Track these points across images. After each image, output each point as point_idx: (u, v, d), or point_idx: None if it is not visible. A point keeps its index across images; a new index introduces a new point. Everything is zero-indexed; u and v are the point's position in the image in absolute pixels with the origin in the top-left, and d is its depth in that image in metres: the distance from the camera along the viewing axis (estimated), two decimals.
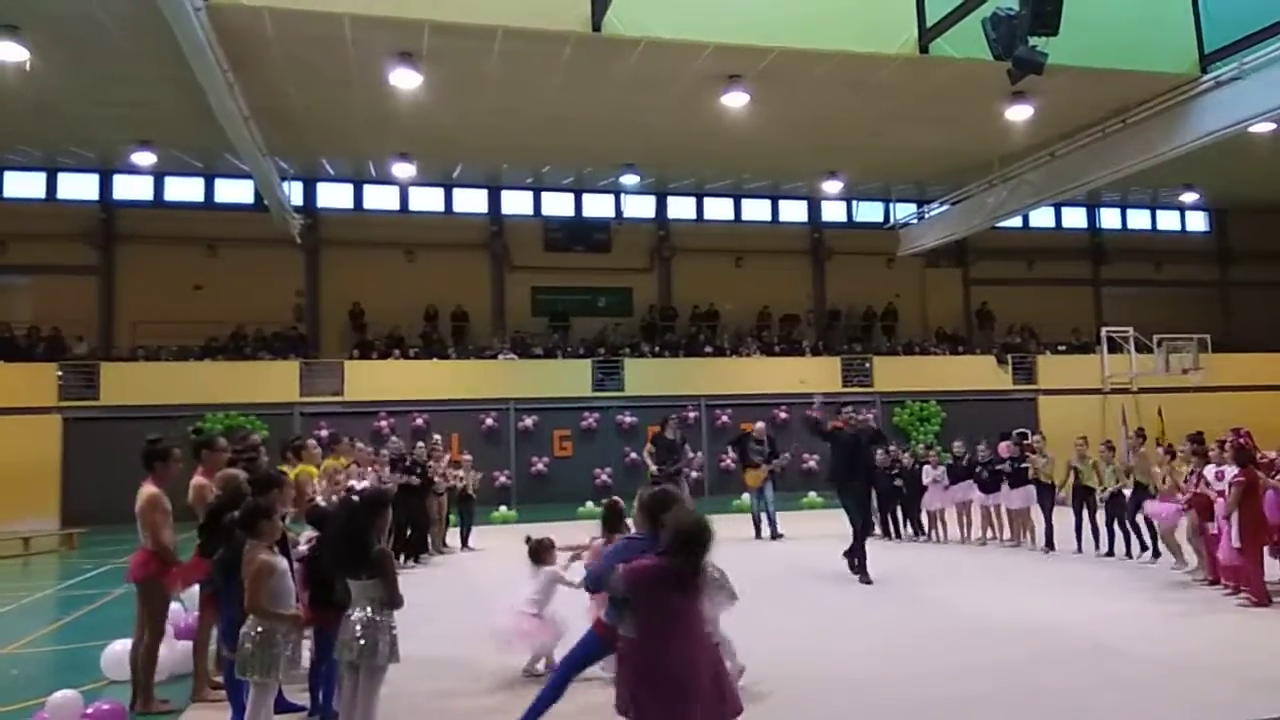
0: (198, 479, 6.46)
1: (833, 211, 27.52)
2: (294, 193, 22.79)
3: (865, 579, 10.26)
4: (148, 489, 6.19)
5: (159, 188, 23.53)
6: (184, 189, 23.70)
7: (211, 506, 6.03)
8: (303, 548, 5.81)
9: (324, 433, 14.20)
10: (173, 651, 6.74)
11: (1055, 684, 6.19)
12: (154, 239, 22.80)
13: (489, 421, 21.99)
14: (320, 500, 6.86)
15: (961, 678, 6.45)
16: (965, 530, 13.88)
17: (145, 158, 20.67)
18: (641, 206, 26.32)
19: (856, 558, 10.52)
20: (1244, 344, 26.57)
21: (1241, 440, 8.99)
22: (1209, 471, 9.39)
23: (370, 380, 21.65)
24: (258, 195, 21.11)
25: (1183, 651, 6.95)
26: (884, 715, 5.71)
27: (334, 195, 24.56)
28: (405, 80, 15.66)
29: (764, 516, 14.71)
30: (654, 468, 14.27)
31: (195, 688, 6.20)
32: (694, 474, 16.41)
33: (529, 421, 22.23)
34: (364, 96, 16.96)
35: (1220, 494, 9.08)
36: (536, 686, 6.02)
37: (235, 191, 23.48)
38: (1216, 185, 25.72)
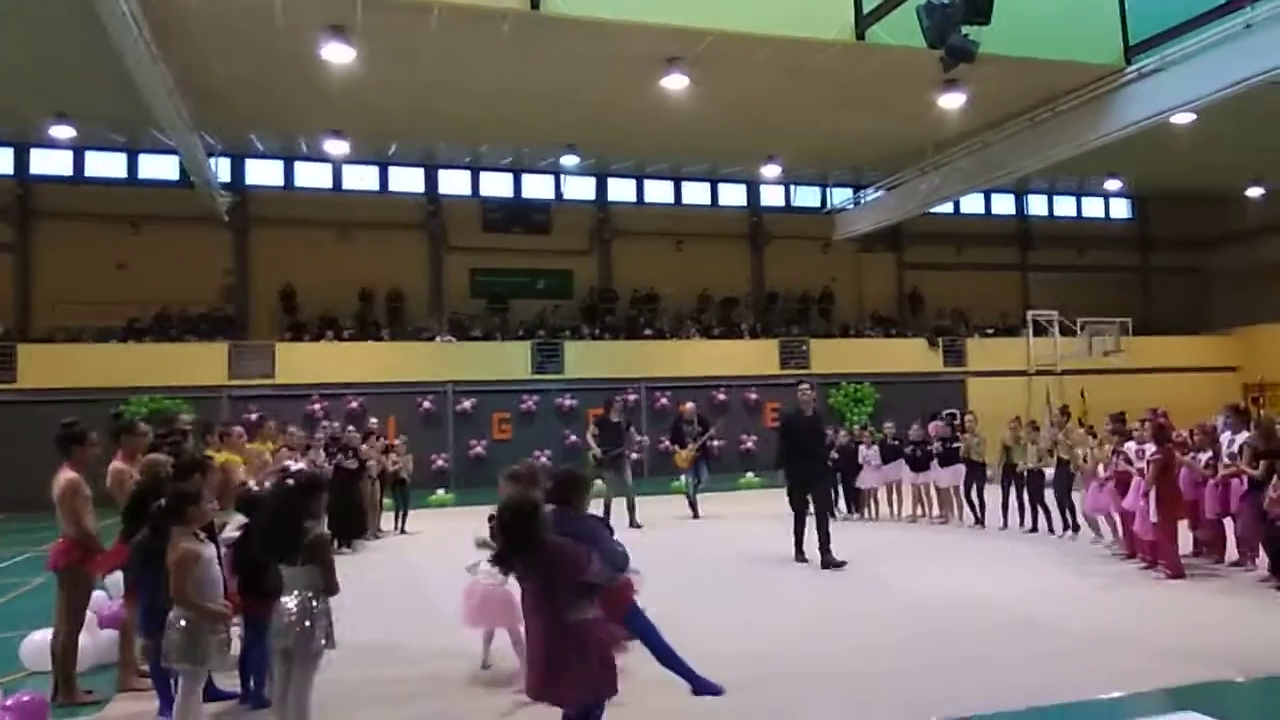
0: (117, 464, 6.27)
1: (771, 196, 27.75)
2: (222, 169, 22.10)
3: (832, 562, 9.88)
4: (66, 474, 5.98)
5: (79, 162, 22.62)
6: (106, 164, 22.84)
7: (135, 492, 5.88)
8: (231, 533, 5.68)
9: (252, 417, 13.86)
10: (97, 640, 6.55)
11: (990, 655, 6.39)
12: (74, 216, 21.93)
13: (426, 404, 21.74)
14: (249, 484, 6.69)
15: (900, 650, 6.62)
16: (896, 508, 14.25)
17: (64, 131, 19.83)
18: (582, 188, 26.18)
19: (824, 538, 10.00)
20: (1163, 327, 27.63)
21: (1160, 420, 9.36)
22: (1129, 448, 9.74)
23: (302, 363, 21.19)
24: (183, 171, 20.44)
25: (1103, 623, 7.22)
26: (828, 686, 5.84)
27: (264, 172, 23.90)
28: (338, 54, 15.27)
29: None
30: (597, 450, 14.26)
31: (121, 677, 6.04)
32: (634, 456, 16.48)
33: (467, 404, 22.03)
34: (295, 70, 16.50)
35: (1140, 471, 9.44)
36: (470, 669, 6.00)
37: (160, 167, 22.70)
38: (1139, 174, 26.58)
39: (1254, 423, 9.24)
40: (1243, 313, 27.54)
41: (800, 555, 10.28)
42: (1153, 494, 8.88)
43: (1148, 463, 9.00)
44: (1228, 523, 9.26)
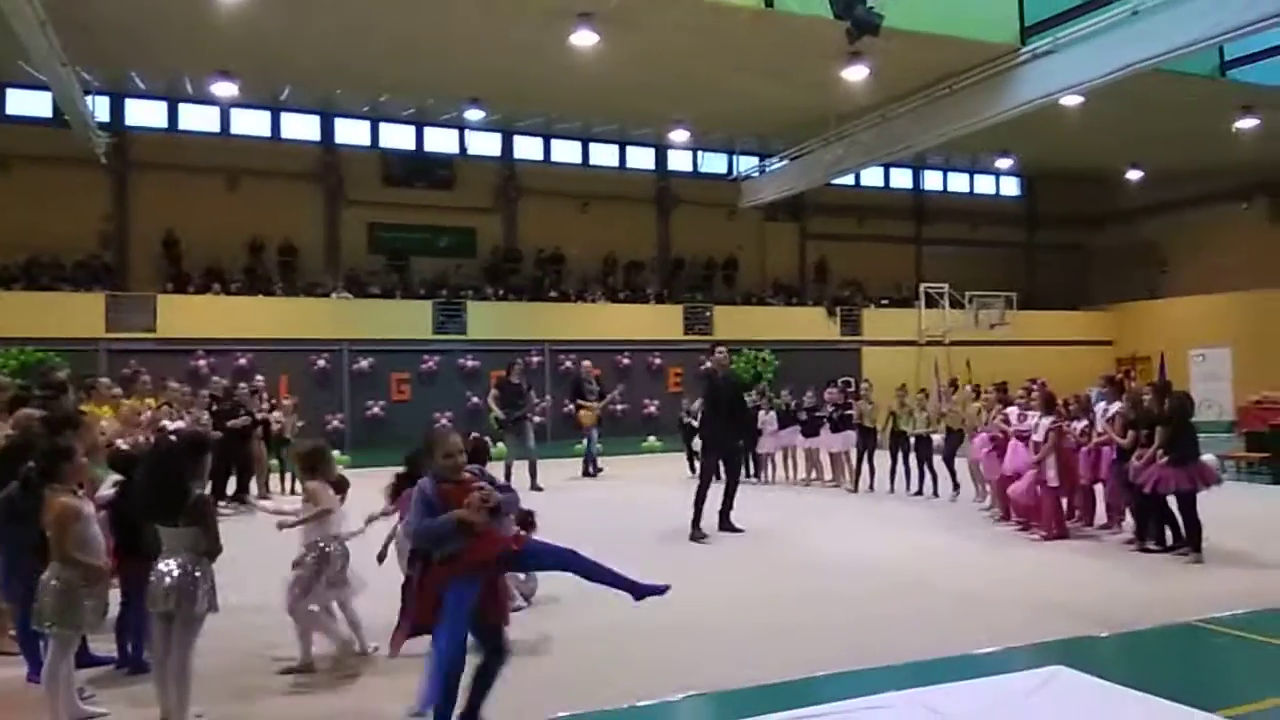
0: None
1: (679, 161, 27.74)
2: (99, 108, 20.73)
3: (729, 526, 10.07)
4: None
5: None
6: None
7: (2, 447, 5.52)
8: (105, 491, 5.39)
9: (127, 371, 13.15)
10: None
11: (874, 613, 6.65)
12: None
13: (321, 363, 21.07)
14: (120, 443, 6.36)
15: (779, 607, 6.84)
16: (791, 472, 14.64)
17: None
18: (487, 144, 25.61)
19: (728, 502, 10.19)
20: (1046, 302, 28.98)
21: (1047, 390, 9.86)
22: (1010, 412, 10.23)
23: (187, 316, 20.21)
24: (57, 109, 19.08)
25: (982, 583, 7.60)
26: (711, 640, 5.98)
27: (145, 113, 22.51)
28: None
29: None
30: (498, 412, 14.14)
31: None
32: (537, 419, 16.41)
33: (364, 364, 21.45)
34: (180, 3, 15.54)
35: (1018, 435, 9.93)
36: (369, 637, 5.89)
37: (31, 103, 21.10)
38: (1029, 153, 27.60)
39: (1125, 394, 9.79)
40: (1119, 289, 29.16)
41: (696, 533, 9.74)
42: (1051, 460, 9.31)
43: (1046, 433, 9.41)
44: (1098, 488, 9.83)
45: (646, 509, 11.83)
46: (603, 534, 10.04)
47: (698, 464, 14.99)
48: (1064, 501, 9.68)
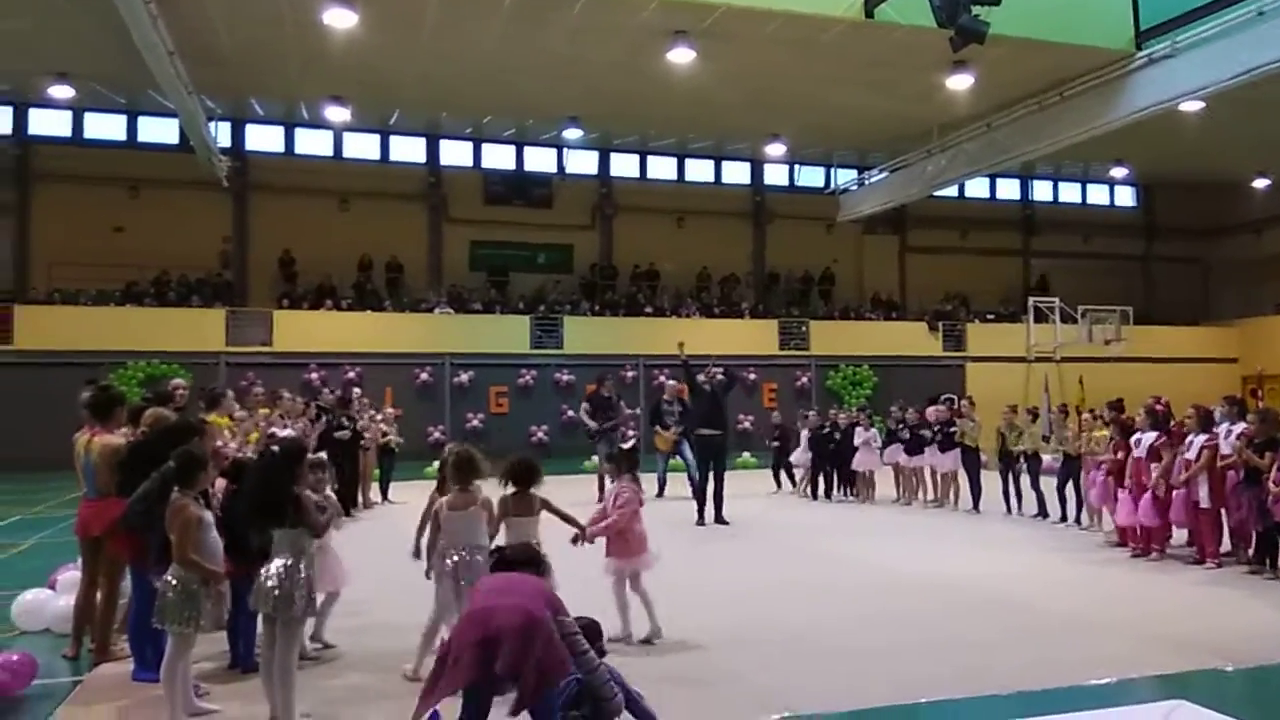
0: (110, 438, 5.95)
1: (775, 175, 27.59)
2: (221, 134, 21.93)
3: (702, 521, 11.59)
4: (106, 438, 5.89)
5: (78, 124, 22.45)
6: (105, 126, 22.66)
7: (136, 444, 5.77)
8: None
9: (243, 384, 13.81)
10: (54, 606, 6.52)
11: (977, 635, 6.40)
12: (72, 178, 21.78)
13: (424, 376, 21.70)
14: (230, 452, 6.63)
15: (883, 627, 6.65)
16: (900, 491, 14.25)
17: (63, 91, 19.64)
18: (584, 162, 26.00)
19: (701, 501, 11.75)
20: (1164, 317, 27.57)
21: (1202, 409, 9.31)
22: (1144, 438, 9.61)
23: (300, 331, 21.13)
24: (183, 135, 20.28)
25: (1092, 608, 7.23)
26: (810, 658, 5.85)
27: (263, 138, 23.73)
28: (340, 19, 15.09)
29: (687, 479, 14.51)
30: (591, 425, 14.26)
31: (98, 647, 5.87)
32: (631, 433, 16.39)
33: (465, 377, 21.99)
34: (296, 35, 16.33)
35: (1139, 460, 9.43)
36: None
37: (159, 130, 22.55)
38: (1145, 161, 26.42)
39: (1252, 412, 9.18)
40: (1243, 304, 27.51)
41: (701, 519, 11.63)
42: (1203, 478, 8.79)
43: (1199, 450, 8.88)
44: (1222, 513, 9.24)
45: (739, 523, 11.72)
46: (698, 541, 10.03)
47: (783, 478, 15.57)
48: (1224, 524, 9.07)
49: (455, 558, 5.37)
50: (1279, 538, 8.38)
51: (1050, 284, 27.59)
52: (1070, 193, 30.51)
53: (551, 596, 4.01)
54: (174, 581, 4.65)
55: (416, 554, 5.74)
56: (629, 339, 22.96)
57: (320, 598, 5.37)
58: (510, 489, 5.85)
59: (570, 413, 21.42)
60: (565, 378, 22.40)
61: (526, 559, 4.22)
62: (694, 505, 11.99)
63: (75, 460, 6.02)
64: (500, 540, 5.55)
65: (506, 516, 5.74)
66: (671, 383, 16.10)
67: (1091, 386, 21.89)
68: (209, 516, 4.90)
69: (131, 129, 22.75)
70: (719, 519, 11.73)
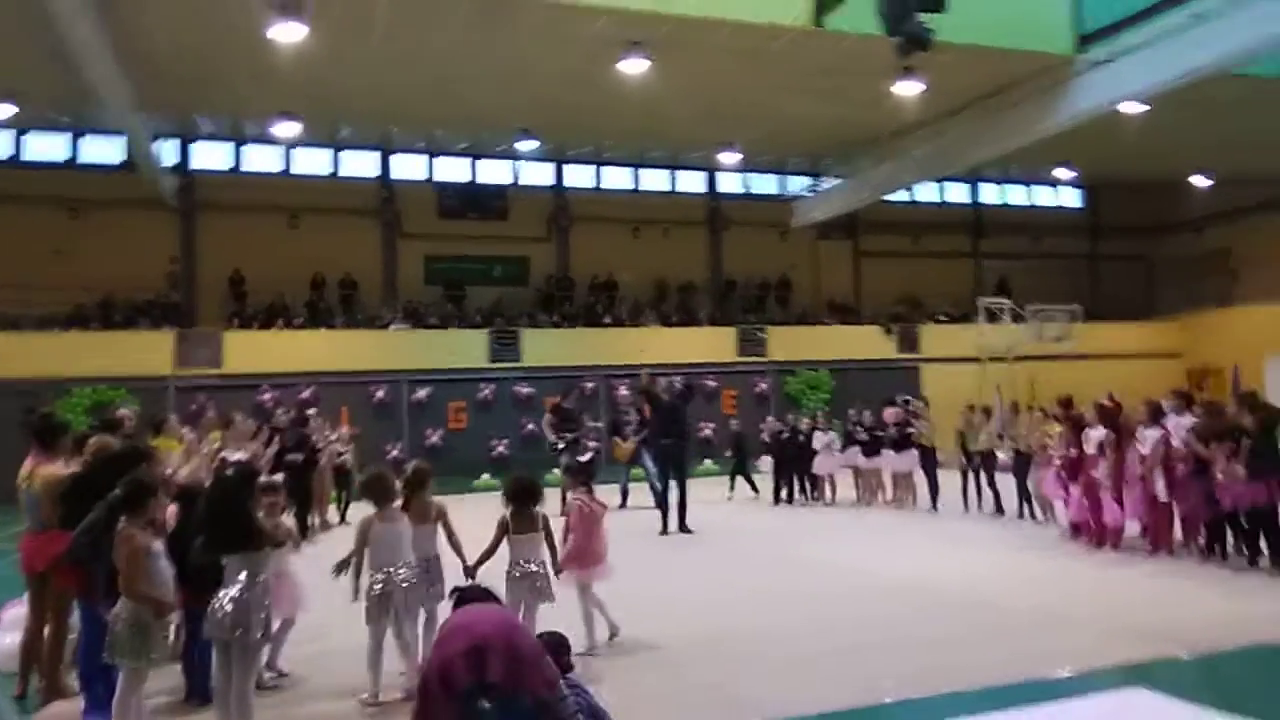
0: (51, 468, 5.79)
1: (729, 183, 27.74)
2: (167, 153, 21.51)
3: (666, 530, 11.72)
4: (50, 469, 5.71)
5: (18, 145, 21.88)
6: (46, 146, 22.10)
7: (81, 475, 5.60)
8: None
9: (193, 407, 13.52)
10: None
11: (942, 633, 6.46)
12: (11, 199, 21.15)
13: (380, 394, 21.40)
14: (180, 477, 6.46)
15: (848, 629, 6.70)
16: (858, 493, 14.38)
17: (4, 109, 19.09)
18: (539, 174, 25.93)
19: (664, 511, 11.86)
20: (1111, 314, 28.16)
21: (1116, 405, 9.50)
22: (1093, 434, 9.79)
23: (251, 351, 20.71)
24: (128, 155, 19.86)
25: (1053, 602, 7.35)
26: (778, 664, 5.86)
27: (211, 155, 23.29)
28: (287, 33, 14.85)
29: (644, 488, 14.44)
30: (553, 438, 14.20)
31: (47, 685, 5.65)
32: (592, 444, 16.34)
33: (422, 393, 21.72)
34: (243, 49, 16.04)
35: (1091, 456, 9.61)
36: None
37: (102, 150, 22.01)
38: (1090, 162, 27.01)
39: (1196, 405, 9.42)
40: (1186, 299, 28.18)
41: (665, 528, 11.75)
42: (1159, 472, 8.92)
43: (1153, 445, 9.02)
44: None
45: (703, 531, 11.73)
46: (669, 553, 10.01)
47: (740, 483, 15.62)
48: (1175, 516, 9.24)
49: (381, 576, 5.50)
50: (1227, 526, 8.59)
51: (1009, 285, 27.98)
52: (1018, 195, 31.10)
53: (521, 625, 3.97)
54: (124, 615, 4.52)
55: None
56: (588, 350, 22.88)
57: (275, 624, 5.27)
58: (510, 507, 5.93)
59: (530, 426, 21.28)
60: (525, 391, 22.25)
61: (485, 592, 4.17)
62: (657, 515, 11.99)
63: (18, 492, 5.83)
64: (505, 556, 5.82)
65: (508, 535, 5.88)
66: (625, 391, 16.32)
67: (1043, 384, 22.24)
68: (158, 545, 4.78)
69: (74, 149, 22.22)
70: (682, 528, 11.76)
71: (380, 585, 5.46)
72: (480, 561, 5.84)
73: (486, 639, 3.56)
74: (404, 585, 5.48)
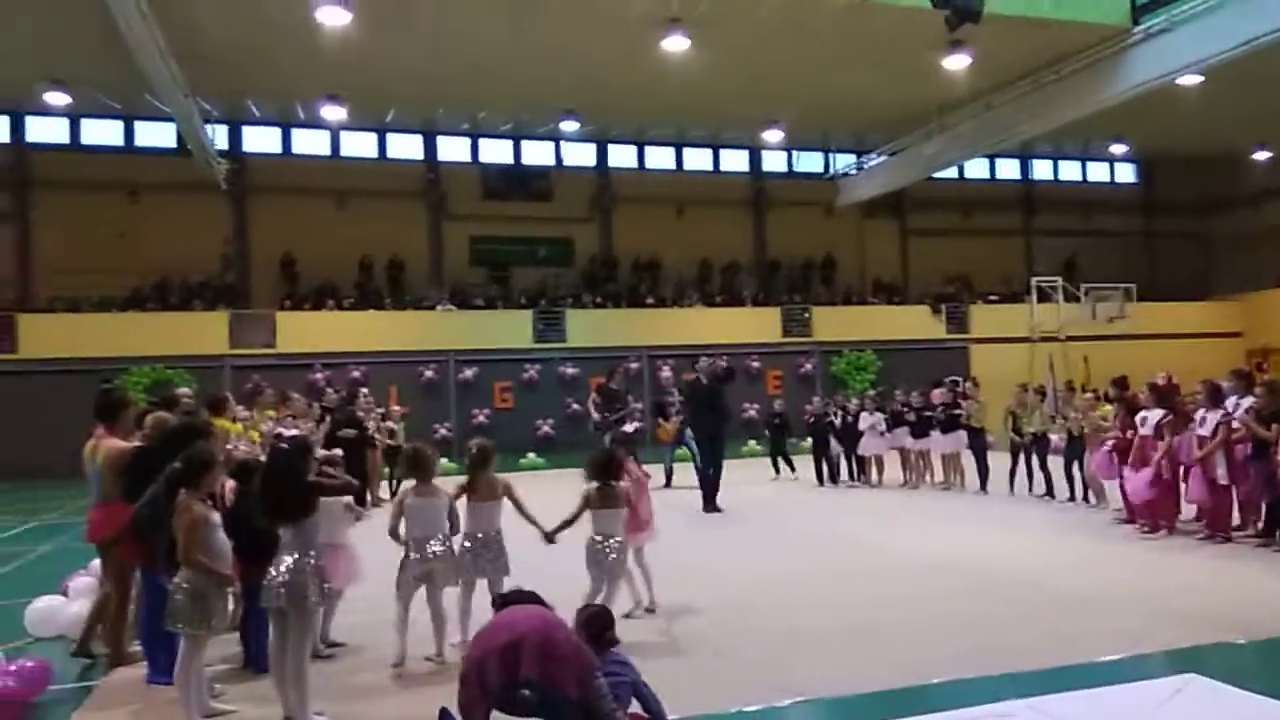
0: (115, 442, 5.99)
1: (773, 162, 27.50)
2: (218, 136, 21.91)
3: (714, 508, 11.75)
4: (114, 442, 5.92)
5: (75, 130, 22.44)
6: (102, 132, 22.64)
7: (140, 449, 5.80)
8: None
9: (249, 385, 13.84)
10: (65, 612, 6.56)
11: (988, 614, 6.41)
12: (71, 184, 21.75)
13: (428, 374, 21.70)
14: (238, 452, 6.65)
15: (891, 608, 6.67)
16: (907, 474, 14.26)
17: (58, 98, 19.62)
18: (582, 155, 25.94)
19: (705, 489, 11.91)
20: (1167, 293, 27.47)
21: (1212, 384, 9.26)
22: (1150, 416, 9.56)
23: (303, 332, 21.13)
24: (180, 139, 20.27)
25: (1102, 585, 7.23)
26: (821, 643, 5.86)
27: (261, 139, 23.68)
28: (333, 16, 15.05)
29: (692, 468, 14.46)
30: (596, 417, 14.32)
31: (111, 652, 5.89)
32: (636, 424, 16.41)
33: (469, 373, 21.98)
34: (290, 34, 16.30)
35: (1145, 438, 9.40)
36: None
37: (156, 135, 22.50)
38: (1145, 137, 26.30)
39: (1260, 385, 9.15)
40: (1246, 278, 27.37)
41: (708, 507, 11.83)
42: (1220, 456, 8.74)
43: (1215, 427, 8.84)
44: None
45: (753, 509, 11.74)
46: (710, 531, 10.04)
47: (783, 466, 15.56)
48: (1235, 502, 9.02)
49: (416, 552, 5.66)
50: None
51: (1079, 265, 27.29)
52: (1070, 171, 30.38)
53: (561, 624, 3.97)
54: (184, 584, 4.65)
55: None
56: (632, 331, 22.93)
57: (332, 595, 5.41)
58: (594, 482, 6.07)
59: (575, 406, 21.42)
60: (569, 371, 22.39)
61: (531, 600, 4.22)
62: (699, 494, 12.02)
63: (85, 465, 6.05)
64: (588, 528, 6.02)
65: (590, 509, 6.03)
66: (668, 373, 16.42)
67: (1096, 364, 21.83)
68: (215, 517, 4.90)
69: (129, 134, 22.73)
70: (711, 506, 11.82)
71: (413, 557, 5.61)
72: (560, 529, 6.03)
73: (523, 637, 3.64)
74: (433, 558, 5.61)
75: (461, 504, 6.01)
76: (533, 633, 3.67)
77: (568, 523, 6.06)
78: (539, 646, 3.63)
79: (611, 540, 6.03)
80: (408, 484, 5.95)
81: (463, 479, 6.12)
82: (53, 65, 18.13)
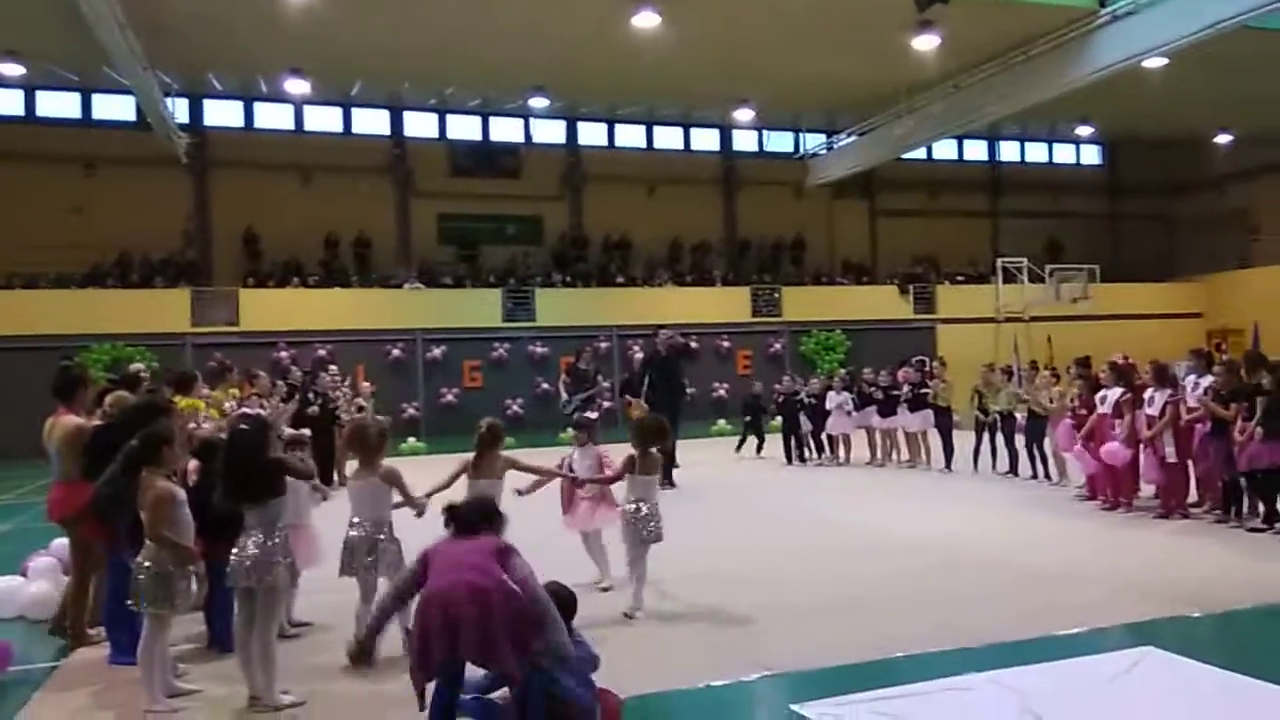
0: (72, 419, 5.90)
1: (744, 141, 27.47)
2: (179, 109, 21.44)
3: (669, 483, 11.37)
4: (69, 419, 5.83)
5: (30, 102, 21.85)
6: (58, 104, 22.07)
7: (100, 428, 5.72)
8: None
9: (212, 363, 13.56)
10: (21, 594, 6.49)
11: (954, 591, 6.50)
12: (26, 157, 21.19)
13: (395, 353, 21.52)
14: (200, 431, 6.53)
15: (860, 585, 6.76)
16: (874, 453, 14.39)
17: (13, 69, 19.07)
18: (552, 132, 25.73)
19: (669, 461, 11.61)
20: (1131, 274, 27.89)
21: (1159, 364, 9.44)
22: (1109, 395, 9.71)
23: (267, 309, 20.84)
24: (140, 112, 19.81)
25: (1064, 561, 7.36)
26: (789, 618, 5.93)
27: (223, 113, 23.22)
28: None
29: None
30: (565, 396, 14.30)
31: (72, 633, 5.80)
32: (604, 404, 16.44)
33: (437, 352, 21.83)
34: (251, 6, 15.99)
35: (1103, 416, 9.56)
36: None
37: (115, 108, 21.97)
38: (1110, 119, 26.58)
39: (1217, 366, 9.32)
40: (1209, 260, 27.87)
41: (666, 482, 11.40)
42: (1168, 435, 8.91)
43: (1162, 407, 8.99)
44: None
45: (723, 487, 11.80)
46: (688, 503, 10.08)
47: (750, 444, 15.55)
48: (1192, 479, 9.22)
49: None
50: (1244, 486, 8.56)
51: (1018, 244, 27.63)
52: (1037, 152, 30.67)
53: (503, 550, 3.97)
54: (147, 563, 4.60)
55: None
56: (602, 310, 22.88)
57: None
58: (640, 448, 6.16)
59: (544, 385, 21.38)
60: (539, 350, 22.31)
61: (481, 515, 4.18)
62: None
63: (45, 444, 5.95)
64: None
65: (631, 473, 6.14)
66: (640, 354, 16.43)
67: (1060, 345, 22.13)
68: (181, 494, 4.84)
69: (86, 106, 22.18)
70: (667, 483, 11.54)
71: (354, 535, 5.37)
72: (606, 481, 6.46)
73: (459, 619, 3.71)
74: (354, 535, 5.34)
75: (462, 483, 5.89)
76: (471, 611, 3.71)
77: (612, 479, 6.41)
78: (478, 626, 3.69)
79: (646, 506, 6.08)
80: (352, 463, 5.84)
81: (469, 456, 6.02)
82: (7, 36, 17.61)
